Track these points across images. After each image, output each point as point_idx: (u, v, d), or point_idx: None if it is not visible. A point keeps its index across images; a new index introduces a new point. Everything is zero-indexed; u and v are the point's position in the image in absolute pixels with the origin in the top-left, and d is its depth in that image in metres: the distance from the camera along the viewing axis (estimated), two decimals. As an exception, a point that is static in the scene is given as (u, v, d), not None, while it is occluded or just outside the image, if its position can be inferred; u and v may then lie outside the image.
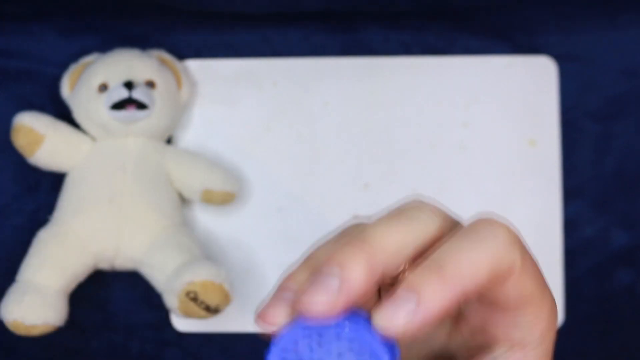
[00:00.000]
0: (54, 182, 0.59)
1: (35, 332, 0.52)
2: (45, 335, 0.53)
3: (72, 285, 0.55)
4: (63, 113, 0.59)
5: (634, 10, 0.60)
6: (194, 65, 0.61)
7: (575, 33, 0.60)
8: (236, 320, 0.60)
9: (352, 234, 0.26)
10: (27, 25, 0.61)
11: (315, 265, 0.26)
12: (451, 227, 0.27)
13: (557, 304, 0.28)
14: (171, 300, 0.53)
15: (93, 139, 0.58)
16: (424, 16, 0.60)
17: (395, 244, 0.25)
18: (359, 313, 0.25)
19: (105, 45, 0.60)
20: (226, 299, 0.53)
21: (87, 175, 0.56)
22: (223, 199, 0.57)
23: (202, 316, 0.53)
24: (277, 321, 0.26)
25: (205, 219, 0.60)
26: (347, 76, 0.61)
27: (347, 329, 0.25)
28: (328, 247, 0.27)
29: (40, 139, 0.56)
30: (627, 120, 0.60)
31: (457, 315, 0.30)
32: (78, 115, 0.57)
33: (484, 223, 0.26)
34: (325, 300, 0.24)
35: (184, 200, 0.59)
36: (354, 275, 0.24)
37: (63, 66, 0.59)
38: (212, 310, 0.52)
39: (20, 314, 0.51)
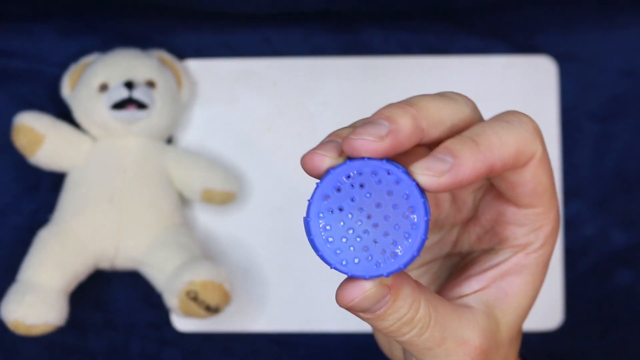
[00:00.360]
0: (54, 182, 0.59)
1: (36, 331, 0.52)
2: (46, 335, 0.53)
3: (73, 285, 0.55)
4: (63, 113, 0.59)
5: (634, 10, 0.60)
6: (194, 65, 0.61)
7: (575, 33, 0.60)
8: (236, 320, 0.60)
9: (402, 101, 0.29)
10: (27, 25, 0.61)
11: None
12: (481, 120, 0.30)
13: (558, 278, 0.31)
14: (171, 300, 0.53)
15: (93, 138, 0.58)
16: (424, 16, 0.60)
17: (436, 112, 0.28)
18: (399, 166, 0.27)
19: (105, 45, 0.60)
20: (226, 299, 0.53)
21: (88, 175, 0.56)
22: (223, 199, 0.57)
23: (202, 316, 0.53)
24: (321, 164, 0.27)
25: (205, 219, 0.60)
26: (347, 76, 0.61)
27: (389, 174, 0.26)
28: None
29: (41, 138, 0.56)
30: (627, 120, 0.60)
31: (470, 216, 0.33)
32: (78, 115, 0.57)
33: (512, 113, 0.29)
34: (372, 139, 0.26)
35: (184, 200, 0.59)
36: (401, 125, 0.27)
37: (63, 66, 0.59)
38: (212, 310, 0.53)
39: (20, 313, 0.51)
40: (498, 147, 0.27)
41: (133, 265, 0.56)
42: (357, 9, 0.60)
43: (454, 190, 0.27)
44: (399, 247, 0.26)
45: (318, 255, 0.27)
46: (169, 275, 0.54)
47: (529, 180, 0.29)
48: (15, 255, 0.57)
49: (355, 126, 0.29)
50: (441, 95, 0.29)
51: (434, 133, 0.28)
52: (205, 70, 0.61)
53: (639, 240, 0.60)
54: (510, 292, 0.30)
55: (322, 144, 0.28)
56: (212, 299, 0.52)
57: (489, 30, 0.61)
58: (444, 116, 0.28)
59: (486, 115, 0.64)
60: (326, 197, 0.27)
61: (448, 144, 0.27)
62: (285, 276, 0.60)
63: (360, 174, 0.26)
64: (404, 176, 0.26)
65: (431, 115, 0.28)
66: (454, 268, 0.34)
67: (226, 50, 0.61)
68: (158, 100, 0.56)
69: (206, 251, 0.59)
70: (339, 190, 0.27)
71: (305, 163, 0.27)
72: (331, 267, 0.27)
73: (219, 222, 0.60)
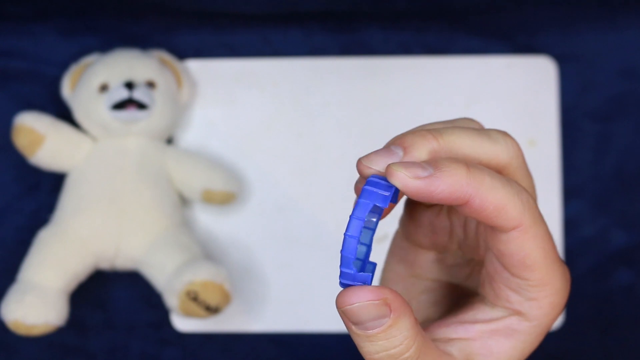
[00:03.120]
0: (54, 182, 0.59)
1: (36, 332, 0.52)
2: (46, 335, 0.53)
3: (73, 285, 0.55)
4: (63, 113, 0.59)
5: (634, 10, 0.60)
6: (194, 65, 0.61)
7: (575, 33, 0.60)
8: (236, 320, 0.60)
9: (433, 127, 0.29)
10: (27, 25, 0.61)
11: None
12: (520, 169, 0.29)
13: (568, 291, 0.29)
14: (171, 300, 0.53)
15: (94, 139, 0.58)
16: (424, 16, 0.60)
17: (463, 148, 0.28)
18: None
19: (106, 45, 0.60)
20: (226, 299, 0.53)
21: (88, 175, 0.56)
22: (223, 199, 0.57)
23: (202, 316, 0.53)
24: (368, 170, 0.28)
25: (205, 219, 0.60)
26: (347, 76, 0.61)
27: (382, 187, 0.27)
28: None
29: (41, 139, 0.56)
30: (627, 120, 0.60)
31: (479, 260, 0.32)
32: (78, 115, 0.57)
33: (522, 176, 0.29)
34: (382, 166, 0.27)
35: (184, 200, 0.59)
36: (416, 157, 0.27)
37: (63, 66, 0.59)
38: (212, 310, 0.53)
39: (20, 313, 0.52)
40: (487, 187, 0.26)
41: (133, 265, 0.56)
42: (357, 9, 0.60)
43: (422, 201, 0.27)
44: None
45: (341, 267, 0.27)
46: (169, 275, 0.54)
47: (514, 251, 0.28)
48: (15, 256, 0.57)
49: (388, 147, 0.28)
50: (481, 132, 0.28)
51: None
52: (205, 71, 0.61)
53: (639, 240, 0.60)
54: (495, 352, 0.29)
55: (376, 153, 0.28)
56: (212, 299, 0.52)
57: (489, 30, 0.61)
58: (472, 155, 0.28)
59: (486, 115, 0.64)
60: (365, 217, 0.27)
61: (440, 157, 0.27)
62: (285, 276, 0.60)
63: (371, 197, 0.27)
64: (362, 190, 0.27)
65: (455, 151, 0.27)
66: (455, 301, 0.33)
67: (226, 50, 0.61)
68: (158, 100, 0.56)
69: (206, 251, 0.59)
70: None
71: (359, 167, 0.28)
72: (341, 283, 0.27)
73: (219, 222, 0.60)
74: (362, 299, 0.27)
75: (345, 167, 0.60)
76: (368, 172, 0.27)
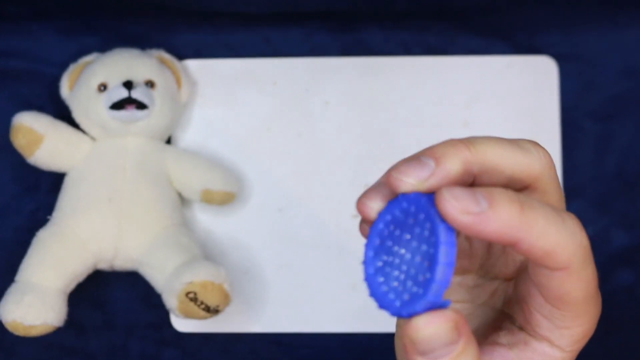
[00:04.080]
0: (53, 182, 0.59)
1: (35, 332, 0.52)
2: (45, 335, 0.53)
3: (72, 285, 0.55)
4: (63, 113, 0.59)
5: (634, 10, 0.60)
6: (194, 65, 0.61)
7: (575, 33, 0.60)
8: (236, 320, 0.59)
9: (465, 138, 0.27)
10: (27, 25, 0.61)
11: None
12: (552, 181, 0.28)
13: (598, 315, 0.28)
14: (171, 300, 0.53)
15: (93, 138, 0.57)
16: (424, 16, 0.60)
17: (496, 158, 0.26)
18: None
19: (105, 45, 0.60)
20: (226, 299, 0.53)
21: (87, 175, 0.56)
22: (223, 199, 0.57)
23: (202, 316, 0.52)
24: (369, 214, 0.27)
25: (205, 219, 0.60)
26: (347, 76, 0.61)
27: (421, 209, 0.26)
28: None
29: (40, 138, 0.56)
30: (627, 120, 0.60)
31: (513, 275, 0.31)
32: (77, 115, 0.57)
33: (573, 218, 0.26)
34: (413, 181, 0.26)
35: (183, 200, 0.59)
36: (447, 168, 0.26)
37: (63, 66, 0.59)
38: (212, 311, 0.52)
39: (19, 314, 0.51)
40: (538, 233, 0.25)
41: (132, 266, 0.56)
42: (357, 9, 0.60)
43: (473, 237, 0.26)
44: (421, 288, 0.25)
45: (370, 295, 0.26)
46: (169, 276, 0.54)
47: (555, 288, 0.26)
48: (14, 256, 0.57)
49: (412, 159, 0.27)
50: (513, 142, 0.27)
51: (487, 180, 0.27)
52: (205, 70, 0.61)
53: (639, 240, 0.60)
54: None
55: (375, 187, 0.27)
56: (211, 300, 0.52)
57: (490, 30, 0.61)
58: (504, 165, 0.27)
59: (486, 115, 0.64)
60: (379, 241, 0.27)
61: (494, 190, 0.25)
62: (285, 276, 0.60)
63: (400, 215, 0.26)
64: (430, 207, 0.25)
65: (488, 161, 0.26)
66: (485, 321, 0.32)
67: (226, 50, 0.61)
68: (157, 100, 0.56)
69: (206, 251, 0.59)
70: (386, 232, 0.27)
71: (359, 208, 0.27)
72: (380, 308, 0.26)
73: (219, 222, 0.60)
74: (439, 323, 0.25)
75: (345, 167, 0.60)
76: (402, 186, 0.26)
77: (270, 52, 0.61)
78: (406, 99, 0.61)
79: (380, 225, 0.27)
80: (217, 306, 0.53)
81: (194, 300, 0.52)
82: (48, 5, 0.60)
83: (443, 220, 0.25)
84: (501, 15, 0.60)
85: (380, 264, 0.27)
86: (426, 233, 0.25)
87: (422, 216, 0.25)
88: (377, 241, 0.27)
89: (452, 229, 0.25)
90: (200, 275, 0.52)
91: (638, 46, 0.60)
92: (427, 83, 0.60)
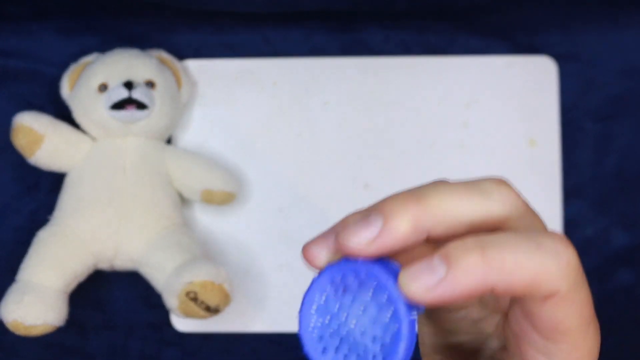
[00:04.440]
0: (53, 182, 0.59)
1: (35, 332, 0.52)
2: (45, 335, 0.53)
3: (72, 285, 0.55)
4: (63, 113, 0.59)
5: (634, 10, 0.60)
6: (194, 65, 0.61)
7: (575, 33, 0.60)
8: (236, 320, 0.60)
9: (416, 189, 0.26)
10: (27, 25, 0.61)
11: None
12: (522, 219, 0.25)
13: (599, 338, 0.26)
14: (171, 300, 0.53)
15: (93, 138, 0.57)
16: (424, 16, 0.60)
17: (451, 209, 0.24)
18: (394, 267, 0.25)
19: (105, 45, 0.60)
20: (226, 299, 0.53)
21: (87, 175, 0.56)
22: (223, 199, 0.57)
23: (202, 316, 0.52)
24: (317, 260, 0.26)
25: (205, 219, 0.60)
26: (347, 76, 0.61)
27: (375, 281, 0.24)
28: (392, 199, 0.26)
29: (40, 138, 0.56)
30: (627, 120, 0.60)
31: (504, 311, 0.29)
32: (78, 115, 0.57)
33: (552, 237, 0.24)
34: (359, 244, 0.24)
35: (184, 200, 0.59)
36: (395, 227, 0.24)
37: (63, 66, 0.59)
38: (212, 310, 0.52)
39: (20, 314, 0.51)
40: (510, 269, 0.23)
41: (133, 266, 0.56)
42: (357, 9, 0.60)
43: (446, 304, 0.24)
44: None
45: (304, 351, 0.25)
46: (169, 276, 0.54)
47: (546, 318, 0.24)
48: (14, 256, 0.57)
49: (353, 220, 0.26)
50: (470, 187, 0.25)
51: (443, 232, 0.25)
52: (205, 70, 0.61)
53: (639, 240, 0.60)
54: None
55: (324, 235, 0.26)
56: (211, 300, 0.52)
57: (489, 30, 0.60)
58: (462, 215, 0.24)
59: (486, 115, 0.64)
60: (322, 294, 0.25)
61: (448, 249, 0.23)
62: (285, 276, 0.60)
63: (349, 275, 0.25)
64: (391, 287, 0.24)
65: (442, 213, 0.24)
66: (493, 354, 0.30)
67: (226, 50, 0.61)
68: (158, 100, 0.56)
69: (206, 251, 0.59)
70: (331, 290, 0.25)
71: (304, 254, 0.26)
72: None
73: (219, 222, 0.60)
74: None
75: (345, 167, 0.60)
76: (350, 248, 0.24)
77: (270, 52, 0.61)
78: (406, 99, 0.61)
79: (326, 282, 0.25)
80: (217, 306, 0.53)
81: (194, 300, 0.52)
82: (48, 5, 0.60)
83: (401, 296, 0.24)
84: (501, 15, 0.60)
85: (319, 323, 0.25)
86: (380, 302, 0.24)
87: (373, 283, 0.24)
88: (320, 298, 0.25)
89: (411, 307, 0.24)
90: (200, 275, 0.52)
91: (638, 46, 0.60)
92: (427, 83, 0.60)
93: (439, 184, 0.25)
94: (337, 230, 0.26)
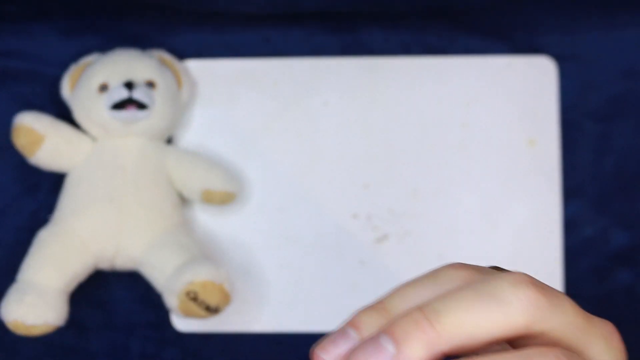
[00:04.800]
0: (54, 182, 0.59)
1: (36, 332, 0.52)
2: (46, 335, 0.53)
3: (73, 284, 0.55)
4: (63, 113, 0.59)
5: (634, 10, 0.60)
6: (194, 65, 0.61)
7: (575, 33, 0.60)
8: (236, 320, 0.60)
9: (427, 304, 0.23)
10: (27, 25, 0.61)
11: (387, 310, 0.25)
12: (547, 320, 0.23)
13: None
14: (171, 300, 0.53)
15: (93, 139, 0.58)
16: (424, 16, 0.60)
17: (468, 329, 0.22)
18: None
19: (105, 45, 0.60)
20: (226, 299, 0.53)
21: (88, 175, 0.56)
22: (223, 199, 0.57)
23: (202, 316, 0.53)
24: None
25: (205, 219, 0.60)
26: (347, 76, 0.61)
27: None
28: (407, 293, 0.25)
29: (41, 139, 0.56)
30: (627, 120, 0.60)
31: None
32: (78, 115, 0.57)
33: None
34: None
35: (184, 200, 0.59)
36: (409, 355, 0.22)
37: (63, 66, 0.59)
38: (212, 310, 0.53)
39: (20, 313, 0.51)
40: (470, 333, 0.22)
41: (133, 266, 0.56)
42: (357, 9, 0.60)
43: None
44: None
45: None
46: (169, 276, 0.54)
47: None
48: (15, 256, 0.57)
49: (376, 315, 0.25)
50: (483, 295, 0.23)
51: (459, 350, 0.23)
52: (205, 70, 0.61)
53: (639, 240, 0.60)
54: None
55: (333, 339, 0.25)
56: (212, 299, 0.52)
57: (489, 30, 0.61)
58: (480, 333, 0.22)
59: (486, 115, 0.64)
60: None
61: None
62: (285, 276, 0.60)
63: None
64: None
65: (458, 334, 0.22)
66: None
67: (226, 50, 0.61)
68: (158, 100, 0.56)
69: (206, 251, 0.59)
70: None
71: (314, 356, 0.24)
72: None
73: (219, 222, 0.60)
74: None
75: (345, 167, 0.60)
76: None
77: (270, 52, 0.61)
78: (406, 99, 0.61)
79: None
80: (218, 306, 0.53)
81: (195, 299, 0.52)
82: (48, 5, 0.60)
83: None
84: (501, 15, 0.60)
85: None
86: None
87: None
88: None
89: None
90: (200, 275, 0.52)
91: (638, 46, 0.60)
92: (426, 83, 0.60)
93: (454, 298, 0.23)
94: (346, 333, 0.24)
